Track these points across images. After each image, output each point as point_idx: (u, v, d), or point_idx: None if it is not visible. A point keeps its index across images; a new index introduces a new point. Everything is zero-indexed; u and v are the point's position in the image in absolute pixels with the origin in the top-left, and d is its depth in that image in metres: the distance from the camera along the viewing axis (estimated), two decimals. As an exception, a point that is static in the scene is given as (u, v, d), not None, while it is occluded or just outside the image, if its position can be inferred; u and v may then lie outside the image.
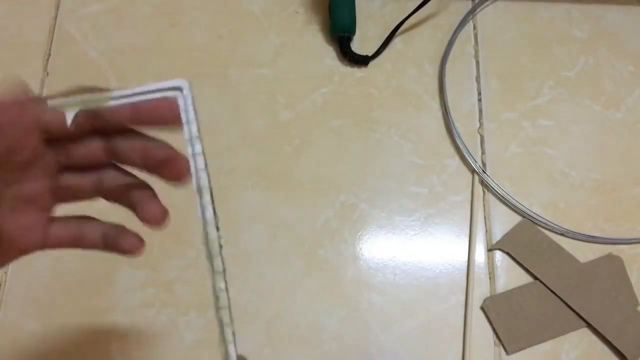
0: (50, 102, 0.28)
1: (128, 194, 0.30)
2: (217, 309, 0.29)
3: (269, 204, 0.55)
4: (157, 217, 0.30)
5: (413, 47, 0.61)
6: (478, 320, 0.52)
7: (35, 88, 0.58)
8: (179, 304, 0.52)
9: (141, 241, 0.31)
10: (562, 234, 0.54)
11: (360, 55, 0.60)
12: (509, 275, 0.53)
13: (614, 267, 0.53)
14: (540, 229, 0.55)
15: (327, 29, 0.61)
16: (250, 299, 0.52)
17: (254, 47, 0.61)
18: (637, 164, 0.57)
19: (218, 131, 0.58)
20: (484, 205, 0.55)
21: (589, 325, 0.51)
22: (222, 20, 0.62)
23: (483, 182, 0.56)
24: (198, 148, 0.31)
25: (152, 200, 0.30)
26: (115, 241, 0.31)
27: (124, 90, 0.29)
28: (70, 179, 0.31)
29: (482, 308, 0.52)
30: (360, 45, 0.61)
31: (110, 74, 0.59)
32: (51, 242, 0.30)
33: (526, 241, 0.54)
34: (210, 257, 0.29)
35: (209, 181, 0.30)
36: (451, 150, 0.57)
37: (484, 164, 0.57)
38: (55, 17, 0.61)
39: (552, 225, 0.54)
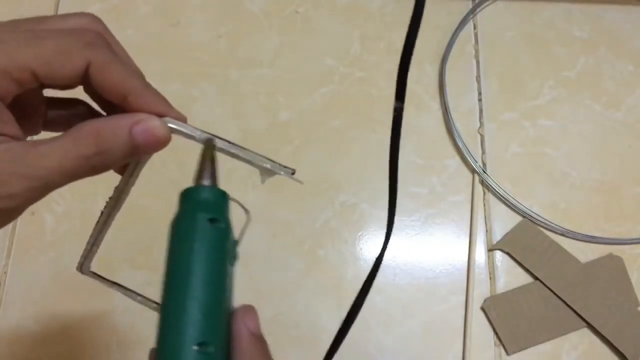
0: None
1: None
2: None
3: (269, 204, 0.55)
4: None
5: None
6: (478, 320, 0.52)
7: (34, 88, 0.58)
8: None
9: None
10: (562, 234, 0.54)
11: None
12: (509, 276, 0.53)
13: (614, 267, 0.53)
14: (541, 229, 0.54)
15: (327, 29, 0.61)
16: (250, 299, 0.52)
17: (254, 47, 0.61)
18: (637, 163, 0.57)
19: (218, 131, 0.57)
20: (484, 205, 0.55)
21: (589, 326, 0.51)
22: (222, 20, 0.62)
23: (483, 182, 0.56)
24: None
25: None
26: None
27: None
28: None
29: (482, 308, 0.52)
30: (361, 45, 0.61)
31: (110, 74, 0.59)
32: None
33: (526, 241, 0.54)
34: None
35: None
36: (451, 150, 0.57)
37: (484, 164, 0.57)
38: (55, 17, 0.61)
39: (552, 225, 0.54)
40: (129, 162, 0.29)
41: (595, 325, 0.51)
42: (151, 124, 0.27)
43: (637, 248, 0.54)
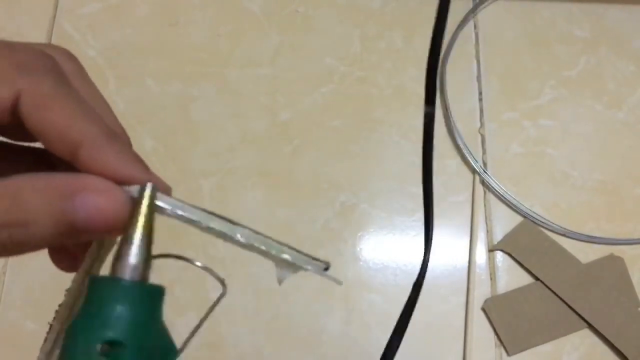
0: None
1: None
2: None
3: (269, 204, 0.55)
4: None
5: (413, 47, 0.61)
6: (479, 321, 0.51)
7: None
8: (178, 305, 0.51)
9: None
10: (563, 235, 0.54)
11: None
12: (510, 276, 0.53)
13: (615, 267, 0.53)
14: (542, 229, 0.54)
15: (327, 28, 0.61)
16: (250, 299, 0.52)
17: (254, 47, 0.61)
18: (639, 163, 0.57)
19: (218, 131, 0.57)
20: (484, 206, 0.55)
21: (590, 326, 0.51)
22: (221, 19, 0.62)
23: (484, 182, 0.56)
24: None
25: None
26: None
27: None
28: None
29: (483, 309, 0.52)
30: (361, 44, 0.61)
31: (109, 74, 0.59)
32: None
33: (527, 242, 0.54)
34: None
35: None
36: (452, 150, 0.57)
37: (484, 164, 0.56)
38: (54, 17, 0.61)
39: (553, 225, 0.54)
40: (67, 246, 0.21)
41: (596, 326, 0.50)
42: (100, 197, 0.18)
43: (639, 248, 0.54)
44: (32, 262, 0.52)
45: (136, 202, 0.19)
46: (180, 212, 0.20)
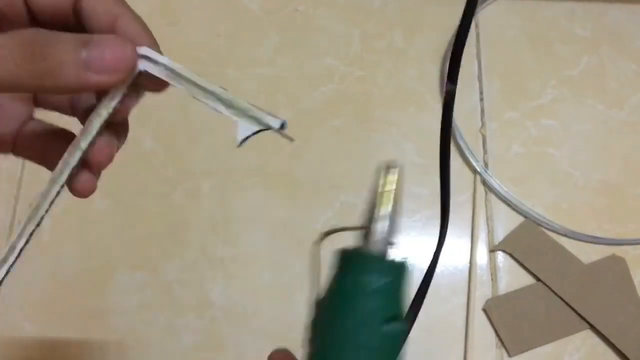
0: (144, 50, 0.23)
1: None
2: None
3: (269, 204, 0.54)
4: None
5: (414, 46, 0.61)
6: (480, 321, 0.51)
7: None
8: (177, 306, 0.51)
9: (92, 184, 0.26)
10: (565, 235, 0.54)
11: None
12: (511, 277, 0.53)
13: (617, 268, 0.53)
14: (543, 229, 0.54)
15: (327, 27, 0.61)
16: (250, 299, 0.51)
17: (253, 46, 0.61)
18: (640, 164, 0.57)
19: (217, 131, 0.57)
20: (486, 206, 0.55)
21: (591, 327, 0.51)
22: (220, 18, 0.62)
23: (485, 183, 0.55)
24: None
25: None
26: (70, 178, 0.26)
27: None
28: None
29: (484, 309, 0.51)
30: (361, 44, 0.60)
31: (108, 73, 0.59)
32: (17, 149, 0.27)
33: (529, 242, 0.53)
34: None
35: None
36: (453, 150, 0.57)
37: (486, 164, 0.56)
38: (53, 16, 0.61)
39: (554, 225, 0.54)
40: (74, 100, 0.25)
41: (597, 327, 0.50)
42: (114, 42, 0.22)
43: (640, 249, 0.54)
44: (30, 264, 0.52)
45: (384, 185, 0.21)
46: (170, 67, 0.23)
